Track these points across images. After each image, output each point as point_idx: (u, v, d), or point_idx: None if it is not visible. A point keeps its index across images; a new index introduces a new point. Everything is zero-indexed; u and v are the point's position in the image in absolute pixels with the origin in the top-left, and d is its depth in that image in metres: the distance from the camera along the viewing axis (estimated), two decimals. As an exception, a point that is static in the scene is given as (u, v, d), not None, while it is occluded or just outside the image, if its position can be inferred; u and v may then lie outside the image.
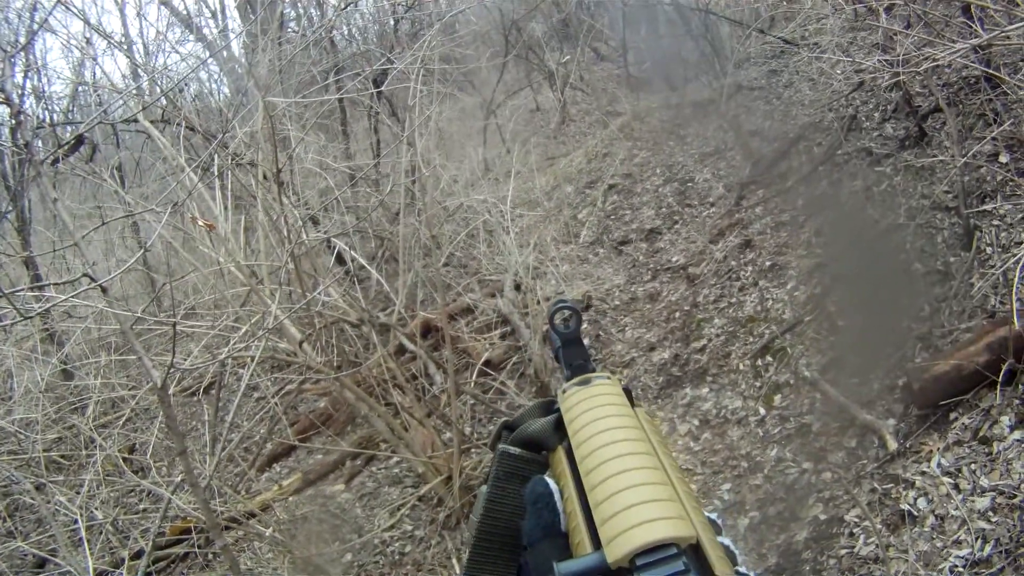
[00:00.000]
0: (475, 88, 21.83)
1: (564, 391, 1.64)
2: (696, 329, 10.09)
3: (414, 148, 8.78)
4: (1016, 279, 5.91)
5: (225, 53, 17.55)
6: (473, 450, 8.83)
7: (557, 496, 1.40)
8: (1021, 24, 5.84)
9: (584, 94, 22.98)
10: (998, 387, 5.88)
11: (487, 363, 10.16)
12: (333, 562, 8.48)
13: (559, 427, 1.58)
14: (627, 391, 1.63)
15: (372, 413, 8.02)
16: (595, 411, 1.46)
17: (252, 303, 7.61)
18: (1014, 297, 5.79)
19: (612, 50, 24.78)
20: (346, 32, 21.45)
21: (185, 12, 19.54)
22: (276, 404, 10.17)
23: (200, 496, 5.19)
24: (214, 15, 21.17)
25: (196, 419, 11.40)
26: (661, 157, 15.71)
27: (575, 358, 1.83)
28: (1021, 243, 6.67)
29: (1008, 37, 6.03)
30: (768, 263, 10.10)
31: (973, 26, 6.46)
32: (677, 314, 10.72)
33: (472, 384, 9.84)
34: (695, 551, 1.11)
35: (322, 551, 8.58)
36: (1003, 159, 7.88)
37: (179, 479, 6.61)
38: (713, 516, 1.26)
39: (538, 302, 10.31)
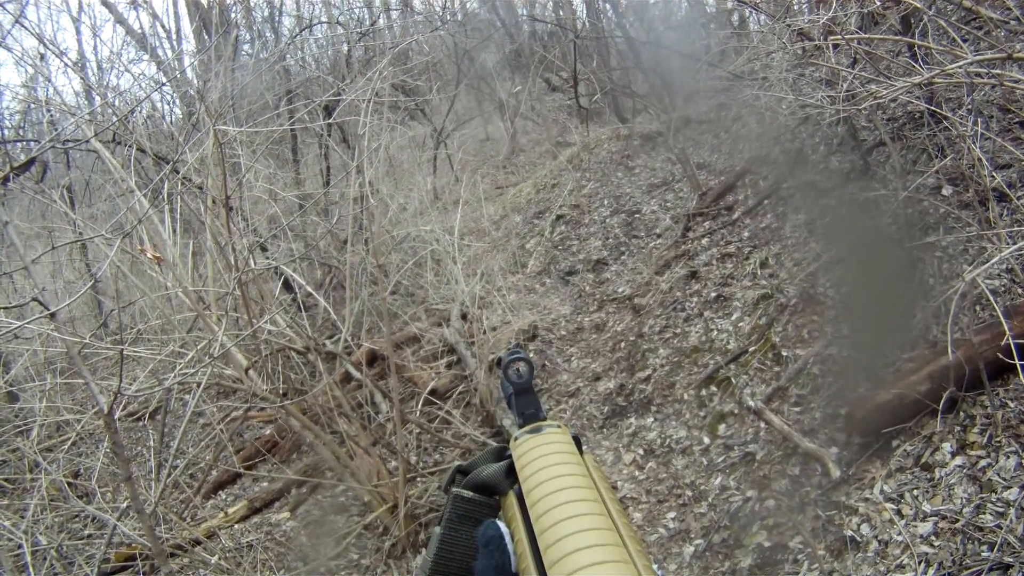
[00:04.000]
0: (426, 117, 21.86)
1: (516, 438, 1.69)
2: (641, 359, 10.13)
3: (363, 177, 8.80)
4: (954, 309, 6.00)
5: (179, 75, 17.50)
6: (419, 479, 8.83)
7: (508, 539, 1.44)
8: (964, 62, 5.95)
9: (535, 124, 23.08)
10: (939, 415, 5.96)
11: (433, 392, 10.17)
12: (277, 591, 8.45)
13: (511, 473, 1.62)
14: (576, 439, 1.69)
15: (318, 441, 8.00)
16: (545, 459, 1.52)
17: (199, 329, 7.59)
18: (950, 327, 5.87)
19: (563, 81, 24.88)
20: (299, 57, 21.48)
21: (140, 31, 19.49)
22: (222, 431, 10.12)
23: (146, 522, 5.17)
24: (168, 35, 21.13)
25: (141, 444, 11.32)
26: (609, 188, 15.79)
27: (527, 407, 1.88)
28: (961, 274, 6.76)
29: (950, 75, 6.15)
30: (713, 294, 10.18)
31: (915, 65, 6.58)
32: (622, 344, 10.76)
33: (418, 413, 9.84)
34: None
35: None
36: (946, 192, 7.99)
37: (124, 505, 6.58)
38: (656, 568, 1.30)
39: (484, 331, 10.33)
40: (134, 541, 7.53)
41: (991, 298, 5.48)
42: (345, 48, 19.57)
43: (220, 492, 10.73)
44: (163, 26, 24.74)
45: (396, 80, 12.88)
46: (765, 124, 13.08)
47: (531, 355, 11.14)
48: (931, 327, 6.79)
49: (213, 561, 8.18)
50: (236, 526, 9.63)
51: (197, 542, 8.83)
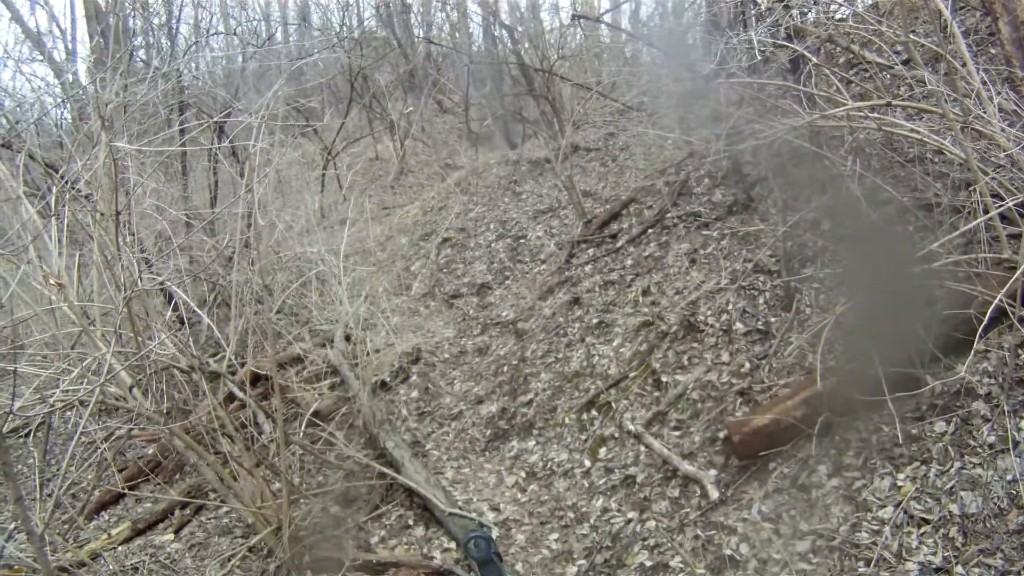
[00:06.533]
0: (317, 135, 21.72)
1: None
2: (523, 383, 10.26)
3: (252, 196, 8.76)
4: (823, 340, 6.22)
5: (71, 78, 17.28)
6: (302, 501, 8.76)
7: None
8: (844, 108, 6.19)
9: (425, 146, 23.06)
10: (814, 439, 6.18)
11: (316, 413, 10.03)
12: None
13: None
14: None
15: (201, 462, 7.91)
16: None
17: (82, 345, 7.49)
18: (819, 357, 6.09)
19: (455, 104, 24.93)
20: (194, 68, 21.26)
21: (36, 30, 19.22)
22: (105, 449, 9.96)
23: (36, 544, 5.12)
24: (64, 35, 20.82)
25: (22, 463, 11.10)
26: (496, 213, 15.93)
27: (491, 573, 2.12)
28: (836, 304, 6.97)
29: (827, 119, 6.41)
30: (595, 320, 10.33)
31: (798, 108, 6.78)
32: (505, 368, 10.87)
33: (301, 434, 9.75)
34: None
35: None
36: (825, 227, 8.22)
37: (12, 527, 6.48)
38: None
39: (367, 353, 10.29)
40: (21, 563, 7.41)
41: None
42: (240, 60, 19.44)
43: (103, 512, 10.48)
44: (59, 26, 24.39)
45: (290, 101, 12.83)
46: (651, 156, 13.29)
47: (414, 377, 11.15)
48: (807, 354, 6.97)
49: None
50: (120, 548, 9.46)
51: (82, 564, 8.69)
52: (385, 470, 8.88)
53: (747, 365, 7.91)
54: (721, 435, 7.24)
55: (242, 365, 10.84)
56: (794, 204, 8.81)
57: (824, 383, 6.26)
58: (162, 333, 8.19)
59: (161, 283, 9.62)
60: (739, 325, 8.36)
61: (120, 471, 10.56)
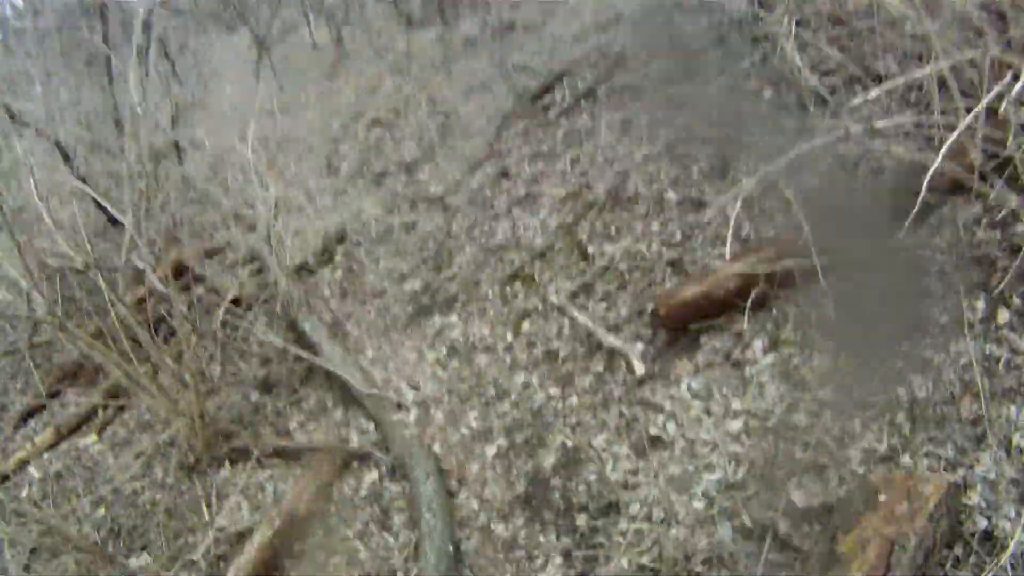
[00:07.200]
0: (249, 26, 21.35)
1: None
2: (448, 257, 10.12)
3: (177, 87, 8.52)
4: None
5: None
6: (220, 391, 8.69)
7: None
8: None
9: (361, 32, 22.78)
10: (747, 312, 5.93)
11: (235, 301, 9.98)
12: (86, 518, 8.14)
13: None
14: None
15: (107, 361, 7.71)
16: None
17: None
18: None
19: (391, -15, 24.53)
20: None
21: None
22: (26, 355, 9.80)
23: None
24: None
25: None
26: (428, 92, 15.78)
27: None
28: (768, 168, 6.71)
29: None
30: (523, 192, 10.15)
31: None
32: (431, 244, 10.69)
33: (220, 323, 9.56)
34: None
35: (74, 509, 8.25)
36: (766, 95, 7.98)
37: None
38: None
39: (289, 237, 10.12)
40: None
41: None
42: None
43: (30, 420, 10.47)
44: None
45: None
46: (583, 24, 13.04)
47: (339, 259, 11.03)
48: (743, 225, 6.71)
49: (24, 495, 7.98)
50: (46, 454, 9.41)
51: (5, 477, 8.92)
52: (302, 352, 8.82)
53: (679, 235, 7.67)
54: (649, 307, 7.01)
55: (158, 260, 10.63)
56: (732, 69, 8.54)
57: (761, 254, 6.00)
58: (56, 233, 7.95)
59: (81, 178, 9.37)
60: (671, 194, 8.10)
61: (48, 377, 10.43)
